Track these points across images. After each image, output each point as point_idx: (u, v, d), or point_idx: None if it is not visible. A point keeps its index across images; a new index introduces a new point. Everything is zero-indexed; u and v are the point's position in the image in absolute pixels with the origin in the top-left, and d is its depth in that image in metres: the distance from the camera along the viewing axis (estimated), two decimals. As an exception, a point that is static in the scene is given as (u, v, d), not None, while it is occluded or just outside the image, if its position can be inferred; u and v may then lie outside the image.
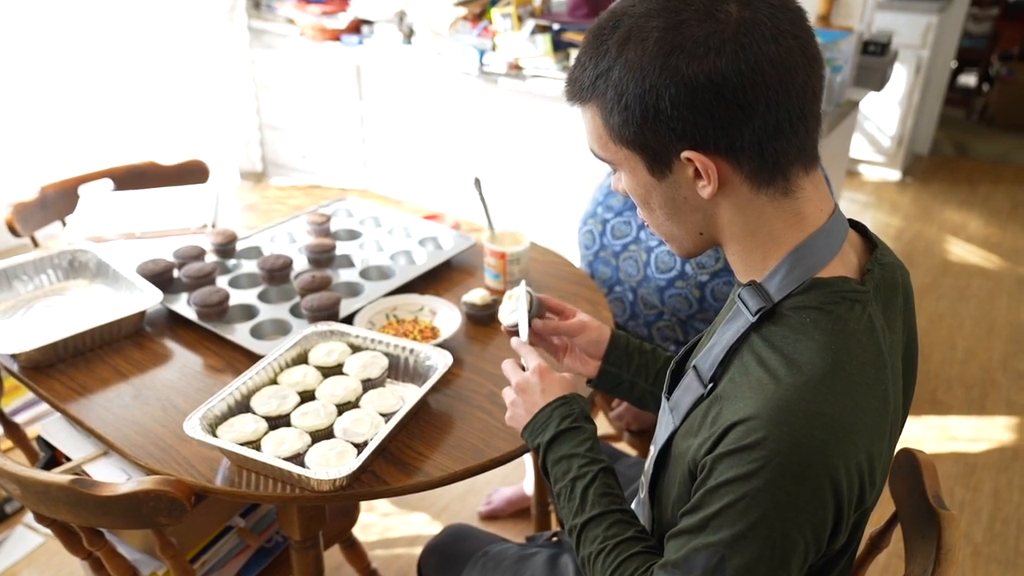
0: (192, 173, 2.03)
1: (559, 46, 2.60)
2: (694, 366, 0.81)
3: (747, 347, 0.75)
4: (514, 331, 1.09)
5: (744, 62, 0.66)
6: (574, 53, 2.71)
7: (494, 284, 1.50)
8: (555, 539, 1.22)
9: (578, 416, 0.93)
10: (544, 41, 2.58)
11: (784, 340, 0.72)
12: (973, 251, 3.56)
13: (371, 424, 1.06)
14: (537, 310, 1.08)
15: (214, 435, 1.03)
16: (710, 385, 0.77)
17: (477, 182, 1.54)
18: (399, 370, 1.22)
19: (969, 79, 5.60)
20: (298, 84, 3.44)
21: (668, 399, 0.85)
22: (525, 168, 2.88)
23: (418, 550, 1.90)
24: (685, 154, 0.71)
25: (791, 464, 0.65)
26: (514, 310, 1.10)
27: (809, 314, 0.72)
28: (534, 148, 2.82)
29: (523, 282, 1.13)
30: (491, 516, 2.00)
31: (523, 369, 1.01)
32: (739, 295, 0.77)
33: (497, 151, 2.93)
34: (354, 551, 1.55)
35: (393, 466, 1.05)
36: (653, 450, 0.89)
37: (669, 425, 0.83)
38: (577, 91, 0.77)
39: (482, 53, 2.74)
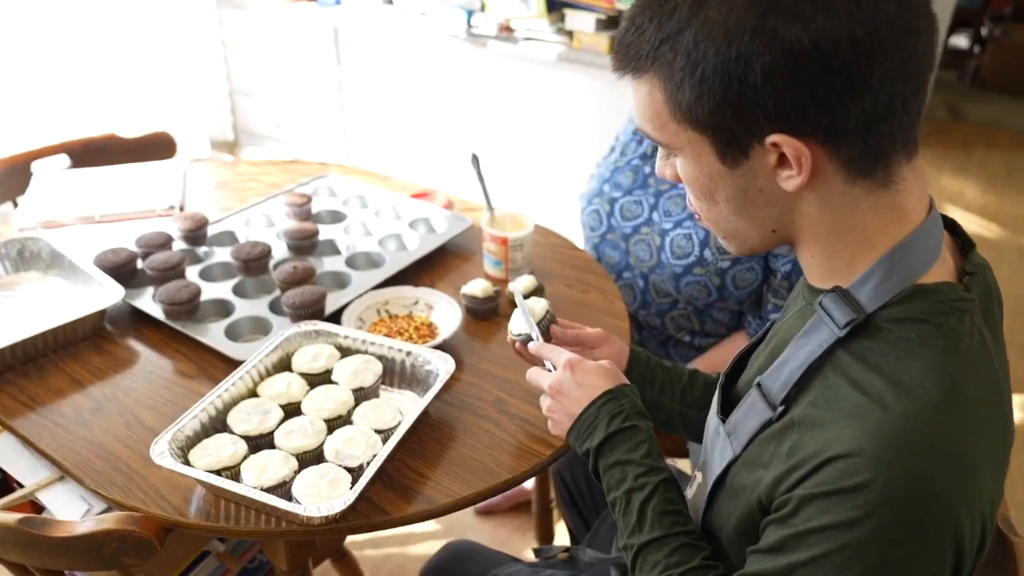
0: (157, 147, 1.87)
1: (553, 7, 2.44)
2: (758, 384, 0.69)
3: (832, 365, 0.63)
4: (525, 342, 0.97)
5: (860, 24, 0.54)
6: (569, 14, 2.58)
7: (495, 272, 1.36)
8: (567, 554, 1.12)
9: (629, 413, 0.81)
10: (537, 1, 2.41)
11: (883, 358, 0.60)
12: (971, 220, 3.48)
13: (366, 444, 0.93)
14: (551, 319, 0.96)
15: (186, 460, 0.90)
16: (781, 408, 0.65)
17: (475, 159, 1.40)
18: (394, 375, 1.09)
19: (960, 40, 5.48)
20: (271, 47, 3.24)
21: (724, 422, 0.73)
22: (518, 138, 2.73)
23: (411, 549, 1.80)
24: (772, 138, 0.58)
25: (906, 512, 0.54)
26: (520, 319, 0.98)
27: (914, 327, 0.60)
28: (528, 117, 2.66)
29: (532, 299, 1.00)
30: (488, 511, 1.90)
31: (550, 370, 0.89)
32: (821, 304, 0.65)
33: (488, 120, 2.77)
34: (344, 561, 1.43)
35: (392, 491, 0.92)
36: (700, 477, 0.78)
37: (727, 453, 0.71)
38: (631, 59, 0.63)
39: (470, 14, 2.56)
